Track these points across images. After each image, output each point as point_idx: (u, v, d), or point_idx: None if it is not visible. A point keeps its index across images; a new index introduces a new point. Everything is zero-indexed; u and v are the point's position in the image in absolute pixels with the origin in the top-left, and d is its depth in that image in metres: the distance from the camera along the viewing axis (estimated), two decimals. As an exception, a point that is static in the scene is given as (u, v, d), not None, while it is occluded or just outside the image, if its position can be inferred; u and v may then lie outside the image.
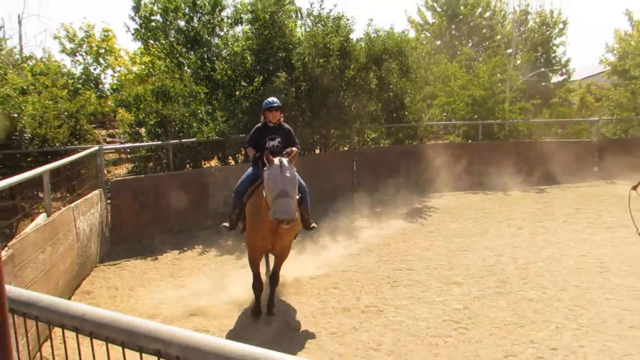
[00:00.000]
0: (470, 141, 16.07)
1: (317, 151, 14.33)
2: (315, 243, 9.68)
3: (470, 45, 27.64)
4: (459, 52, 23.83)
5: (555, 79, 26.50)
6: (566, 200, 13.30)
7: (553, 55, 25.89)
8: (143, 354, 1.70)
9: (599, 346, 5.48)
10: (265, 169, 5.59)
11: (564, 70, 26.31)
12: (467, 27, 27.93)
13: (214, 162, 12.80)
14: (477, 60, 24.05)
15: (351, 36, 13.57)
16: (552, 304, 6.65)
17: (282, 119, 6.72)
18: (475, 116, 16.12)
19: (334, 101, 13.09)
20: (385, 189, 13.75)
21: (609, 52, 21.75)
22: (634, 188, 9.82)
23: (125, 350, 1.77)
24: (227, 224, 6.81)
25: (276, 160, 5.53)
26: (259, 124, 6.71)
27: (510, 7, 26.12)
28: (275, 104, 6.55)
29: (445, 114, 16.84)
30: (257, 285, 6.37)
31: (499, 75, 17.16)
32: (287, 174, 5.41)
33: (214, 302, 6.90)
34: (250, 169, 6.77)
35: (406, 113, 14.87)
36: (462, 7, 27.40)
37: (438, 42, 28.15)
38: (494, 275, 7.84)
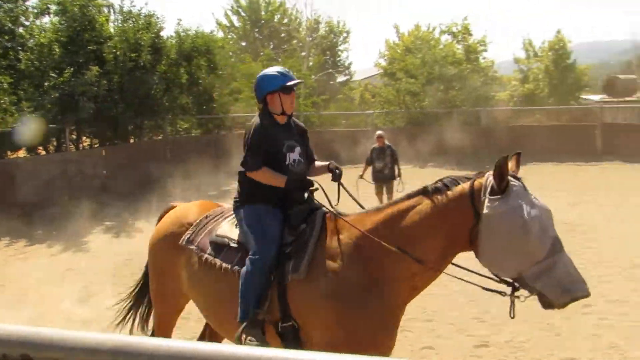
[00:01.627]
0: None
1: (132, 140, 14.27)
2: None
3: (271, 47, 29.13)
4: (261, 53, 25.08)
5: (340, 78, 29.55)
6: (347, 181, 15.21)
7: (338, 59, 28.87)
8: None
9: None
10: (494, 197, 2.70)
11: (347, 71, 29.54)
12: (268, 30, 29.40)
13: (22, 153, 12.08)
14: (277, 60, 25.55)
15: (162, 34, 13.81)
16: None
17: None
18: (275, 109, 17.39)
19: (146, 93, 13.20)
20: (199, 174, 14.21)
21: (382, 58, 24.74)
22: (360, 177, 9.86)
23: None
24: (251, 336, 2.93)
25: (511, 178, 2.75)
26: (256, 122, 3.30)
27: (304, 16, 28.20)
28: (295, 81, 3.33)
29: (250, 107, 17.87)
30: None
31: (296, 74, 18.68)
32: (538, 204, 2.74)
33: (30, 292, 6.43)
34: (258, 210, 3.27)
35: (214, 106, 15.57)
36: (263, 13, 28.76)
37: (243, 43, 29.18)
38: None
